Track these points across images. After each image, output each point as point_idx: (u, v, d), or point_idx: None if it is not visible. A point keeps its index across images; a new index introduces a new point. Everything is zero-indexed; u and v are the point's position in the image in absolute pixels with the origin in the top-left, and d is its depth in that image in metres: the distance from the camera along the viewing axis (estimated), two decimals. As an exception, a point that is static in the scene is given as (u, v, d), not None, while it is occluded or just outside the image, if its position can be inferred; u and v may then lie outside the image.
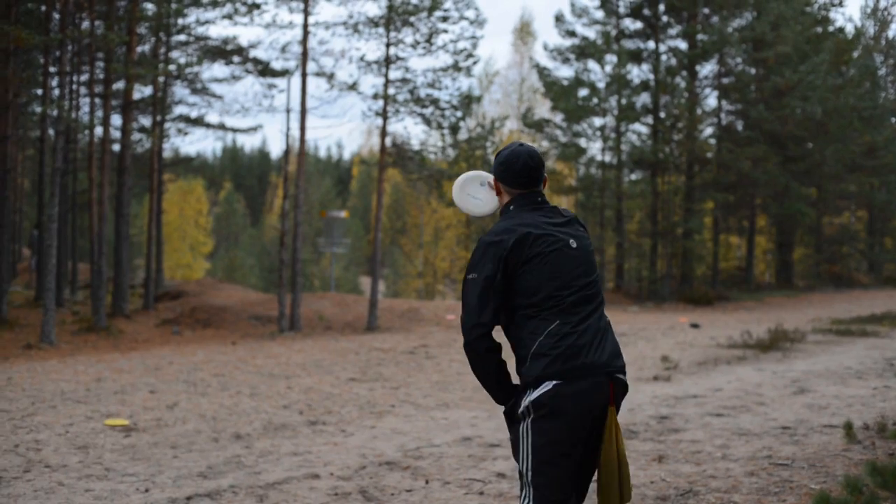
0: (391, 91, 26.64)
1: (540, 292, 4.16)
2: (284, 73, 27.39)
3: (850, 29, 49.24)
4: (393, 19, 26.15)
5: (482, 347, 4.20)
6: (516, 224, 4.28)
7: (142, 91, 30.56)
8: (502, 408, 4.52)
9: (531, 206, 4.40)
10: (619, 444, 4.15)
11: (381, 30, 26.39)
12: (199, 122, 34.34)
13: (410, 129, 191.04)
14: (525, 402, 4.10)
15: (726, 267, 46.59)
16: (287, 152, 27.01)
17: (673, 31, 38.46)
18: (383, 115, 26.46)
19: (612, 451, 4.12)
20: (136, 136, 31.23)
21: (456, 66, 27.06)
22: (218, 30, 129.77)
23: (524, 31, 61.93)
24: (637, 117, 36.62)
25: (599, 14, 38.72)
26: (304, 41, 25.43)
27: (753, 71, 39.87)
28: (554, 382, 4.03)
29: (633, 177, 40.15)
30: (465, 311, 4.28)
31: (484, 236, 4.34)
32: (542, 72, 38.01)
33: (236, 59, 29.78)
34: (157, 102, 29.98)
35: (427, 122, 27.63)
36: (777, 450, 8.46)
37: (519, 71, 61.74)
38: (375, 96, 26.45)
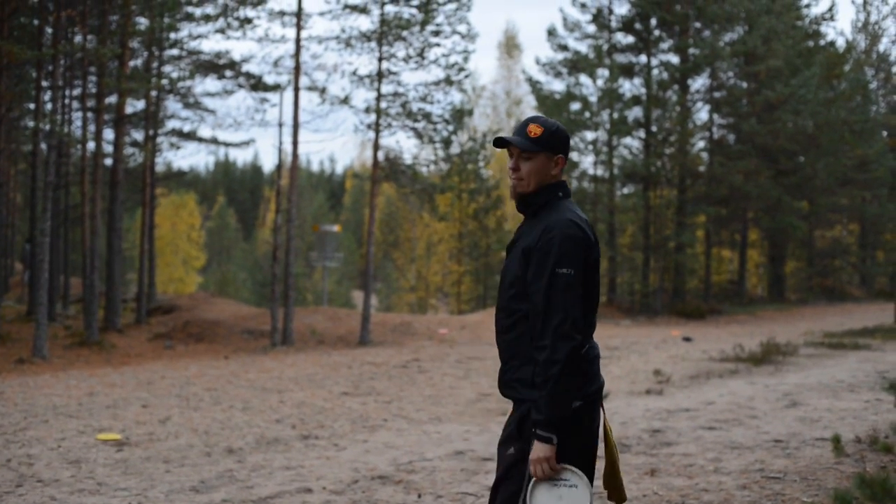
0: (383, 105, 26.67)
1: (583, 304, 3.95)
2: (277, 87, 27.42)
3: (841, 43, 49.45)
4: (385, 34, 26.20)
5: (585, 356, 3.94)
6: (585, 219, 4.08)
7: (134, 105, 30.57)
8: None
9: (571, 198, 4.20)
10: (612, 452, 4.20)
11: (373, 44, 26.44)
12: (191, 136, 34.38)
13: (403, 143, 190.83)
14: None
15: (718, 280, 46.66)
16: (279, 166, 27.03)
17: (665, 46, 38.53)
18: (375, 128, 26.48)
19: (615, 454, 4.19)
20: (128, 150, 31.24)
21: (448, 80, 27.11)
22: (210, 44, 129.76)
23: (510, 45, 62.07)
24: (629, 131, 36.67)
25: (591, 28, 38.82)
26: (296, 55, 25.47)
27: (745, 85, 39.98)
28: (578, 403, 3.90)
29: (626, 190, 40.15)
30: (563, 311, 3.84)
31: (566, 225, 3.97)
32: (534, 85, 38.08)
33: (229, 73, 29.81)
34: (149, 117, 29.98)
35: (419, 135, 27.67)
36: (769, 463, 8.48)
37: (505, 85, 61.90)
38: (367, 110, 26.48)
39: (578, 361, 3.84)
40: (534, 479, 3.83)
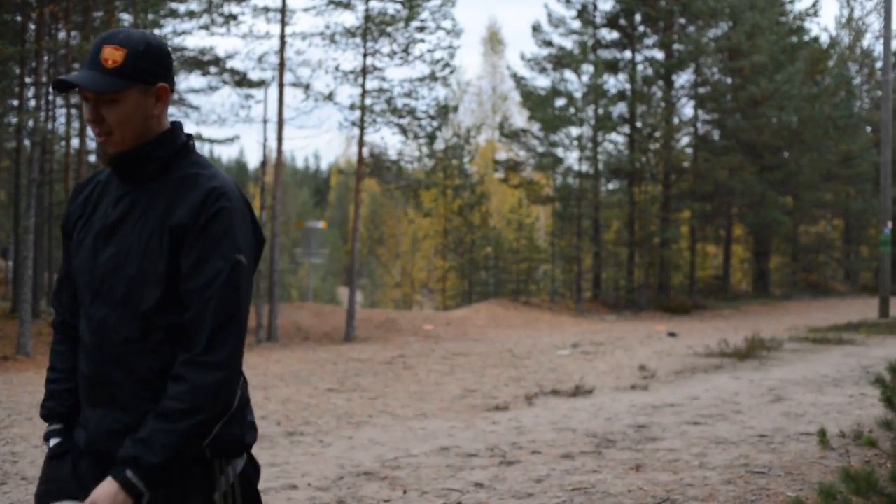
0: (368, 101, 26.66)
1: None
2: (261, 83, 27.36)
3: (825, 39, 49.66)
4: (370, 30, 26.18)
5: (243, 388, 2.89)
6: None
7: (118, 102, 30.39)
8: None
9: None
10: None
11: (358, 40, 26.42)
12: (175, 132, 34.18)
13: (387, 139, 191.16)
14: (232, 469, 2.80)
15: (703, 276, 46.75)
16: (264, 163, 26.99)
17: (649, 42, 38.61)
18: (360, 125, 26.46)
19: None
20: (112, 146, 31.07)
21: (433, 76, 27.10)
22: (195, 40, 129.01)
23: (494, 40, 62.06)
24: (614, 127, 36.71)
25: (576, 24, 38.83)
26: (281, 52, 25.42)
27: (729, 80, 40.05)
28: (243, 461, 2.86)
29: (611, 186, 40.24)
30: (241, 317, 2.70)
31: (236, 194, 2.84)
32: (519, 81, 38.08)
33: (213, 69, 29.69)
34: (133, 113, 29.81)
35: (404, 131, 27.66)
36: (754, 458, 8.49)
37: (490, 81, 61.90)
38: (352, 107, 26.46)
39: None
40: None
